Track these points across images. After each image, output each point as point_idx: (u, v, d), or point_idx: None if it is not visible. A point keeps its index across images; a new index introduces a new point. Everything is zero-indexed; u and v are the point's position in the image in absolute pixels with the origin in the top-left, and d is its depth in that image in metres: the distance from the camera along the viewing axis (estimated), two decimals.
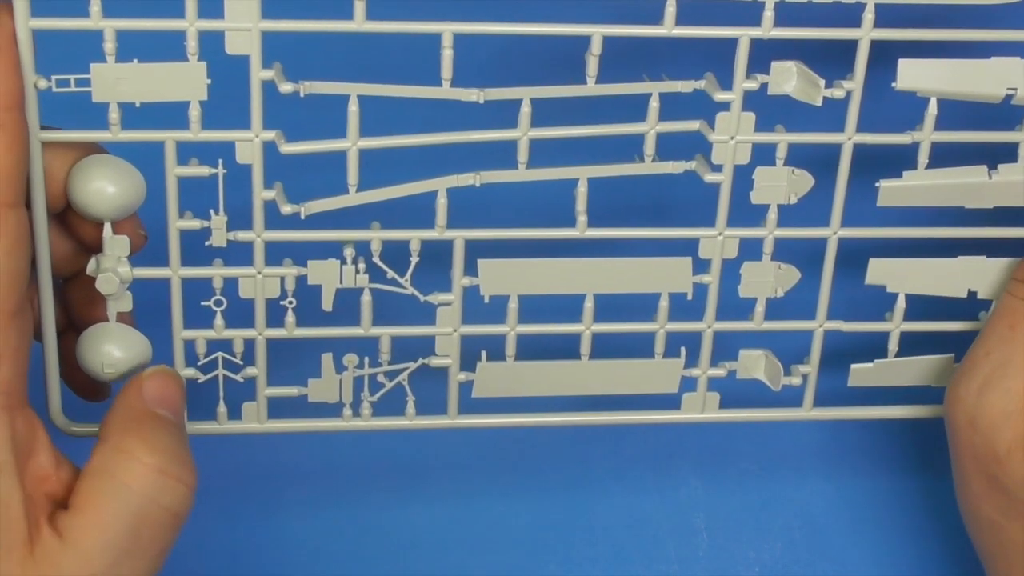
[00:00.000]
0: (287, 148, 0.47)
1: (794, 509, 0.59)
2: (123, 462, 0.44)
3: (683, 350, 0.52)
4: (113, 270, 0.47)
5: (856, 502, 0.59)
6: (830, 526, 0.59)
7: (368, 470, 0.58)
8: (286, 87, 0.46)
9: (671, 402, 0.53)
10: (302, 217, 0.47)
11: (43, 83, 0.45)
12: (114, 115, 0.46)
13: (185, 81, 0.45)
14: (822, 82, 0.48)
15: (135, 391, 0.46)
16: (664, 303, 0.51)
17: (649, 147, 0.49)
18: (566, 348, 0.52)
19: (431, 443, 0.56)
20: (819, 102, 0.48)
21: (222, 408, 0.51)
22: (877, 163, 0.50)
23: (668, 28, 0.47)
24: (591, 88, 0.47)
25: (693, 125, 0.49)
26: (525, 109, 0.47)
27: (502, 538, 0.58)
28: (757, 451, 0.59)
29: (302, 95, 0.46)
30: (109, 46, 0.45)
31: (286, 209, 0.47)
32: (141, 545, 0.44)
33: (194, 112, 0.46)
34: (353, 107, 0.46)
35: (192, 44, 0.45)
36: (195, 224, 0.48)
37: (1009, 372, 0.49)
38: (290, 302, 0.49)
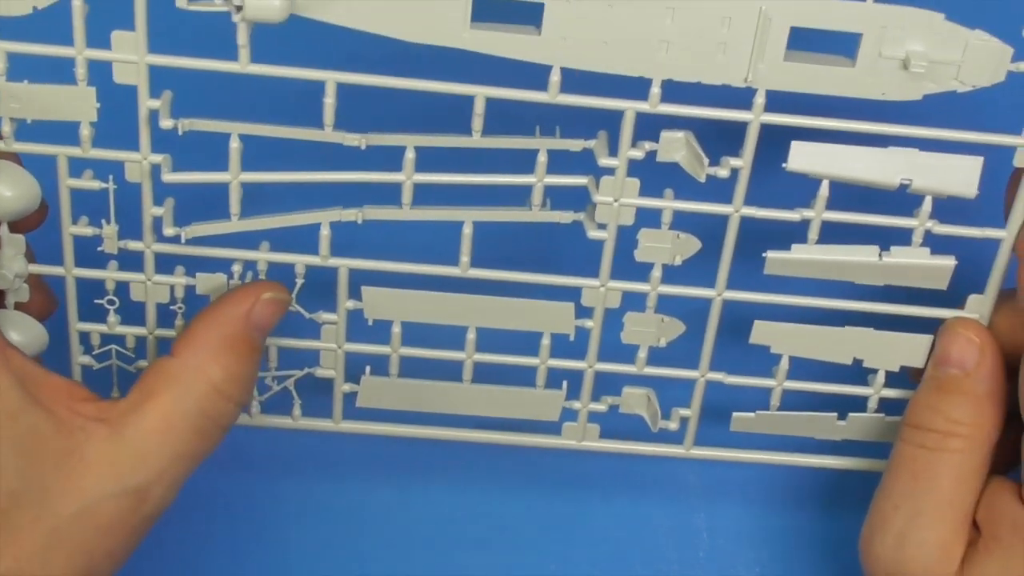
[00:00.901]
0: (169, 177, 0.48)
1: (795, 510, 0.59)
2: (200, 382, 0.47)
3: (565, 383, 0.53)
4: (7, 268, 0.49)
5: (857, 504, 0.59)
6: (831, 527, 0.59)
7: (369, 469, 0.58)
8: (166, 123, 0.47)
9: (554, 427, 0.54)
10: (182, 241, 0.49)
11: None
12: (6, 128, 0.47)
13: (75, 104, 0.47)
14: (706, 160, 0.47)
15: (243, 313, 0.48)
16: (546, 341, 0.52)
17: (536, 198, 0.49)
18: (453, 370, 0.53)
19: (429, 441, 0.56)
20: (703, 178, 0.48)
21: (116, 394, 0.53)
22: (776, 232, 0.50)
23: (551, 96, 0.46)
24: (475, 140, 0.48)
25: (581, 180, 0.49)
26: (409, 155, 0.48)
27: (502, 538, 0.58)
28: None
29: (180, 132, 0.47)
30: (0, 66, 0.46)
31: (168, 231, 0.49)
32: (190, 452, 0.47)
33: (84, 132, 0.47)
34: (235, 144, 0.47)
35: (81, 71, 0.46)
36: (88, 231, 0.49)
37: (921, 523, 0.49)
38: (179, 307, 0.51)
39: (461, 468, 0.59)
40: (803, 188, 0.49)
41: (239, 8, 0.44)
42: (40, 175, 0.49)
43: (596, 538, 0.59)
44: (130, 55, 0.46)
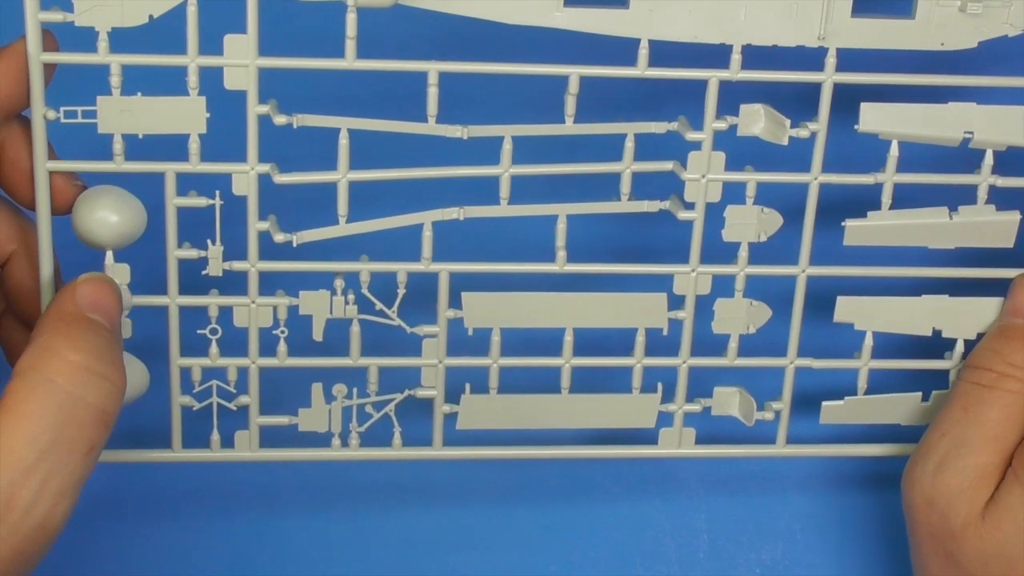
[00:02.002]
0: (280, 179, 0.49)
1: (795, 510, 0.60)
2: (48, 359, 0.44)
3: (660, 385, 0.54)
4: None
5: (858, 504, 0.60)
6: (831, 528, 0.60)
7: (367, 469, 0.57)
8: (280, 119, 0.48)
9: (649, 435, 0.55)
10: (294, 245, 0.50)
11: (51, 114, 0.47)
12: (118, 146, 0.48)
13: (185, 115, 0.48)
14: (787, 122, 0.50)
15: (68, 295, 0.47)
16: (641, 338, 0.53)
17: (625, 185, 0.51)
18: (548, 380, 0.54)
19: None
20: (785, 141, 0.51)
21: (215, 436, 0.53)
22: (850, 205, 0.53)
23: (641, 69, 0.49)
24: (569, 127, 0.50)
25: (667, 165, 0.52)
26: (507, 146, 0.50)
27: (503, 539, 0.58)
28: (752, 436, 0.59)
29: (295, 127, 0.48)
30: (115, 80, 0.47)
31: (279, 238, 0.50)
32: (67, 440, 0.44)
33: (193, 145, 0.49)
34: (344, 140, 0.49)
35: (193, 79, 0.48)
36: (192, 254, 0.50)
37: (963, 451, 0.51)
38: (282, 331, 0.51)
39: (462, 468, 0.58)
40: (856, 161, 0.52)
41: None
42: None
43: (596, 538, 0.59)
44: (242, 59, 0.48)
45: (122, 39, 0.47)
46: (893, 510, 0.55)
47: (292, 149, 0.50)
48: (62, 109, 0.47)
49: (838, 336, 0.55)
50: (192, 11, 0.47)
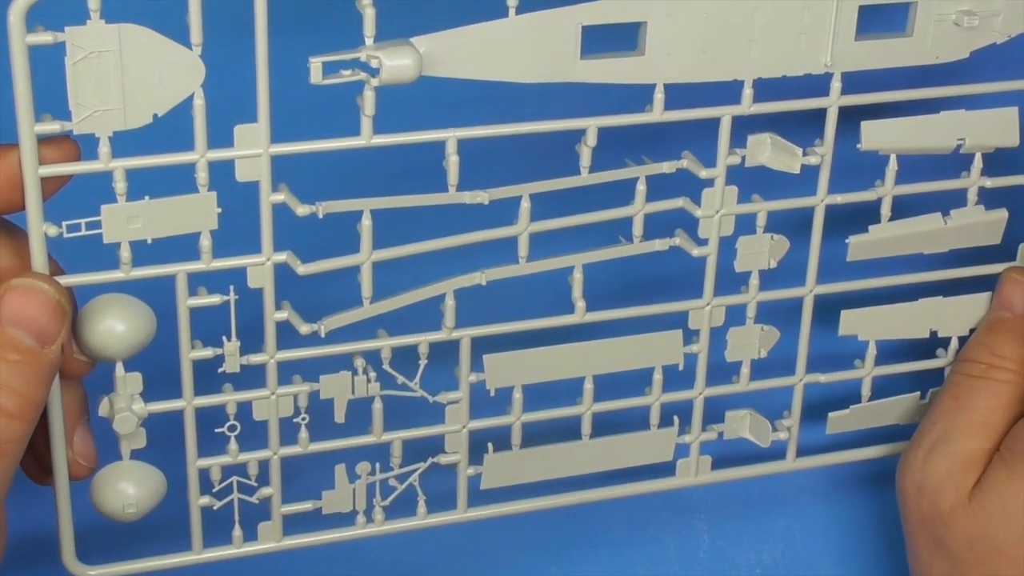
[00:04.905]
0: (304, 269, 0.46)
1: (795, 511, 0.60)
2: None
3: (676, 419, 0.53)
4: (128, 409, 0.46)
5: (857, 504, 0.61)
6: (831, 528, 0.60)
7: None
8: (302, 210, 0.45)
9: (666, 468, 0.54)
10: (322, 335, 0.47)
11: (53, 230, 0.43)
12: (125, 254, 0.45)
13: (196, 213, 0.45)
14: (799, 151, 0.50)
15: None
16: (658, 376, 0.52)
17: (637, 228, 0.50)
18: (561, 427, 0.53)
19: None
20: (798, 169, 0.50)
21: (238, 532, 0.50)
22: (845, 216, 0.53)
23: (658, 114, 0.48)
24: (585, 178, 0.49)
25: (677, 203, 0.51)
26: (525, 205, 0.48)
27: (503, 539, 0.58)
28: (759, 453, 0.59)
29: (320, 215, 0.46)
30: (119, 186, 0.44)
31: (304, 329, 0.47)
32: None
33: (205, 242, 0.45)
34: (366, 222, 0.46)
35: (202, 175, 0.44)
36: (207, 353, 0.47)
37: (952, 437, 0.53)
38: (303, 418, 0.49)
39: None
40: (849, 168, 0.52)
41: (375, 72, 0.44)
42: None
43: (597, 539, 0.59)
44: (254, 148, 0.45)
45: (122, 135, 0.44)
46: (892, 510, 0.56)
47: (300, 223, 0.46)
48: (64, 224, 0.44)
49: (836, 341, 0.55)
50: (199, 104, 0.44)
